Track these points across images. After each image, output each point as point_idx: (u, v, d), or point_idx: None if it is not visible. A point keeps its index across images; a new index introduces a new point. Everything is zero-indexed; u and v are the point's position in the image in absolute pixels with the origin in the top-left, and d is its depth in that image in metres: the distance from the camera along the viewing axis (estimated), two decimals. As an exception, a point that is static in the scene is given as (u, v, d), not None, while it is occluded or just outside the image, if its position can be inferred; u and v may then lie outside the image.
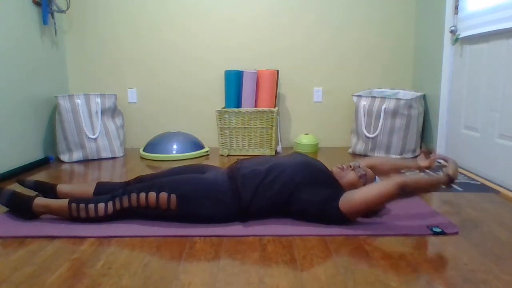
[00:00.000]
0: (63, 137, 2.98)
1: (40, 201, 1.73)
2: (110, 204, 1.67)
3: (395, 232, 1.60)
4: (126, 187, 1.71)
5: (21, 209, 1.74)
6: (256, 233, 1.60)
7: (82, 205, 1.68)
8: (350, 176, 1.73)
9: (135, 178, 1.90)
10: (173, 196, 1.64)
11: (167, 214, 1.67)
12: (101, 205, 1.68)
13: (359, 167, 1.75)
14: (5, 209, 1.93)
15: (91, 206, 1.67)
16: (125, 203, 1.67)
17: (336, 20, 3.36)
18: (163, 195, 1.64)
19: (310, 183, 1.65)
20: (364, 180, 1.72)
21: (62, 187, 1.91)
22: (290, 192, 1.65)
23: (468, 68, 2.58)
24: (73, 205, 1.68)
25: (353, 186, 1.71)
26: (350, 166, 1.76)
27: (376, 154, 3.05)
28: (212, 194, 1.66)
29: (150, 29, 3.37)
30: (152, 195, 1.65)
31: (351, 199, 1.59)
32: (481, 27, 2.39)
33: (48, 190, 1.92)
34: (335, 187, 1.68)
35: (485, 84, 2.39)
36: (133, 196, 1.66)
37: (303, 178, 1.66)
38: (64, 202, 1.70)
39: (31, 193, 1.90)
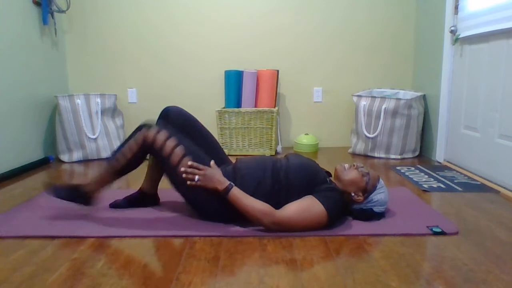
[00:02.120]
0: (63, 137, 2.98)
1: (90, 180, 1.77)
2: (138, 136, 1.68)
3: (395, 232, 1.60)
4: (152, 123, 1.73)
5: (79, 195, 1.76)
6: (256, 233, 1.60)
7: (118, 154, 1.71)
8: (353, 174, 1.71)
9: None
10: (186, 159, 1.65)
11: (172, 172, 1.67)
12: (131, 142, 1.69)
13: (362, 167, 1.74)
14: (5, 209, 1.94)
15: (125, 148, 1.70)
16: (144, 134, 1.66)
17: (336, 20, 3.36)
18: (180, 149, 1.64)
19: (306, 187, 1.65)
20: (367, 178, 1.70)
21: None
22: (284, 196, 1.65)
23: (468, 68, 2.58)
24: (111, 160, 1.72)
25: (355, 184, 1.69)
26: (354, 165, 1.76)
27: (376, 154, 3.05)
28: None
29: (150, 29, 3.37)
30: (171, 141, 1.65)
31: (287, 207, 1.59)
32: (481, 27, 2.39)
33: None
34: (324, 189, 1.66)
35: (485, 84, 2.39)
36: (152, 131, 1.66)
37: (300, 182, 1.65)
38: (104, 165, 1.75)
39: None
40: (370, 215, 1.71)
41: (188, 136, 1.79)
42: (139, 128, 1.71)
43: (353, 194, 1.69)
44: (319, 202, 1.58)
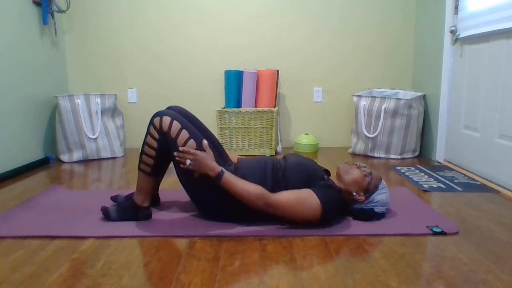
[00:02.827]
0: (63, 137, 2.98)
1: (136, 192, 1.76)
2: (151, 130, 1.67)
3: (395, 232, 1.60)
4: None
5: (134, 214, 1.74)
6: (256, 233, 1.60)
7: (143, 156, 1.70)
8: (355, 173, 1.70)
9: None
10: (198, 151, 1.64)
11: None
12: (148, 138, 1.69)
13: (365, 167, 1.74)
14: (5, 209, 1.94)
15: (146, 147, 1.69)
16: (157, 123, 1.65)
17: (336, 20, 3.36)
18: (192, 142, 1.64)
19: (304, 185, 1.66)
20: (370, 178, 1.69)
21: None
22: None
23: (468, 68, 2.58)
24: (141, 165, 1.72)
25: (357, 184, 1.69)
26: (356, 165, 1.75)
27: (376, 154, 3.05)
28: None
29: (150, 29, 3.37)
30: (185, 132, 1.64)
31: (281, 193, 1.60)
32: (481, 27, 2.39)
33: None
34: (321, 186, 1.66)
35: (485, 84, 2.39)
36: (166, 119, 1.65)
37: (296, 179, 1.66)
38: (138, 173, 1.74)
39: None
40: (371, 215, 1.71)
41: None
42: (152, 120, 1.69)
43: (354, 194, 1.69)
44: (316, 195, 1.59)
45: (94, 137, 3.02)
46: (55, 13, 3.14)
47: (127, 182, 2.40)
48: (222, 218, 1.71)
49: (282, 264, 1.36)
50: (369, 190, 1.70)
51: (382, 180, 1.75)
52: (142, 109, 3.48)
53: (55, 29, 3.18)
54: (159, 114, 1.68)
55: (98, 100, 3.06)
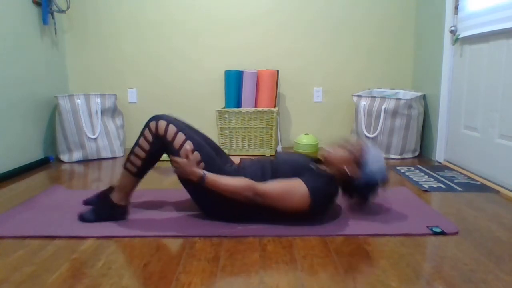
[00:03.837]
0: (63, 137, 2.98)
1: (114, 190, 1.76)
2: (146, 132, 1.68)
3: (395, 232, 1.60)
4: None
5: (109, 211, 1.74)
6: (256, 233, 1.60)
7: (132, 156, 1.70)
8: (339, 152, 1.71)
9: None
10: (196, 154, 1.65)
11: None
12: (141, 140, 1.69)
13: (345, 143, 1.73)
14: (5, 208, 1.94)
15: (137, 149, 1.69)
16: (153, 127, 1.66)
17: (336, 20, 3.36)
18: (190, 143, 1.64)
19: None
20: (353, 149, 1.69)
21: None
22: None
23: (468, 68, 2.58)
24: (127, 164, 1.71)
25: (344, 160, 1.68)
26: (336, 145, 1.75)
27: (376, 154, 3.05)
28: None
29: (150, 29, 3.37)
30: (181, 135, 1.65)
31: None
32: (481, 27, 2.39)
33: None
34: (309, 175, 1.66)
35: (485, 84, 2.39)
36: (162, 123, 1.66)
37: (285, 173, 1.67)
38: (122, 171, 1.74)
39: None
40: (375, 184, 1.70)
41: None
42: (147, 123, 1.70)
43: (348, 171, 1.68)
44: (304, 183, 1.59)
45: (94, 137, 3.02)
46: (55, 13, 3.14)
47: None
48: (224, 218, 1.71)
49: (282, 264, 1.36)
50: (357, 160, 1.68)
51: (367, 145, 1.73)
52: (142, 109, 3.48)
53: (55, 29, 3.18)
54: (155, 118, 1.69)
55: (98, 100, 3.06)
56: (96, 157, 3.06)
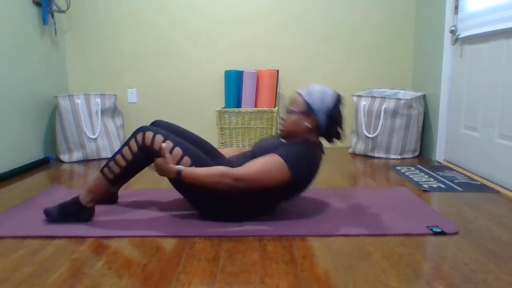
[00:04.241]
0: (63, 137, 2.98)
1: (83, 192, 1.73)
2: (132, 142, 1.67)
3: (395, 232, 1.60)
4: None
5: (75, 211, 1.72)
6: (256, 233, 1.60)
7: (111, 163, 1.69)
8: (288, 119, 1.72)
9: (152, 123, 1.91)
10: (187, 158, 1.64)
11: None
12: (125, 149, 1.68)
13: (288, 111, 1.74)
14: (5, 208, 1.94)
15: (118, 156, 1.68)
16: (140, 138, 1.65)
17: (336, 20, 3.36)
18: (178, 150, 1.64)
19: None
20: (296, 109, 1.70)
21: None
22: None
23: (468, 68, 2.58)
24: (105, 169, 1.70)
25: (297, 121, 1.69)
26: (283, 118, 1.75)
27: (376, 154, 3.05)
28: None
29: (150, 29, 3.37)
30: (168, 143, 1.64)
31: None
32: (481, 27, 2.39)
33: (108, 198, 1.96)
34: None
35: (485, 84, 2.39)
36: (149, 134, 1.65)
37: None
38: (97, 175, 1.72)
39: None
40: (333, 111, 1.69)
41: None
42: (134, 134, 1.69)
43: (308, 124, 1.68)
44: (278, 156, 1.59)
45: (94, 137, 3.02)
46: (55, 13, 3.14)
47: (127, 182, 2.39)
48: (220, 217, 1.71)
49: (282, 264, 1.36)
50: (307, 110, 1.68)
51: (304, 91, 1.72)
52: (142, 109, 3.48)
53: (55, 29, 3.18)
54: (142, 129, 1.68)
55: (98, 100, 3.06)
56: (96, 157, 3.06)
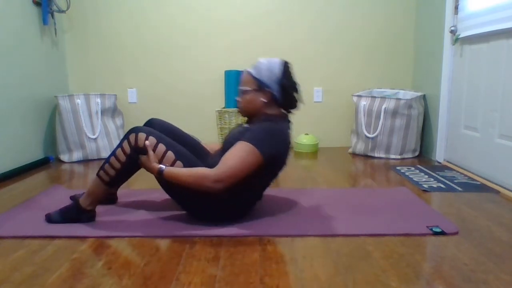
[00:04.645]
0: (63, 137, 2.98)
1: (84, 195, 1.74)
2: (124, 144, 1.66)
3: (395, 232, 1.60)
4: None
5: (76, 215, 1.72)
6: (256, 233, 1.60)
7: (106, 165, 1.69)
8: (244, 100, 1.73)
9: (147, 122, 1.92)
10: (179, 163, 1.64)
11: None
12: (118, 151, 1.67)
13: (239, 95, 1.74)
14: (5, 209, 1.94)
15: (112, 158, 1.68)
16: (132, 139, 1.64)
17: (336, 20, 3.36)
18: (171, 154, 1.63)
19: None
20: (247, 88, 1.70)
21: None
22: None
23: (468, 68, 2.58)
24: (101, 172, 1.70)
25: (252, 99, 1.70)
26: (238, 100, 1.75)
27: (376, 154, 3.05)
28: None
29: (150, 29, 3.37)
30: (162, 146, 1.63)
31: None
32: (481, 27, 2.39)
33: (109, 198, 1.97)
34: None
35: (485, 84, 2.39)
36: (142, 135, 1.64)
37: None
38: (94, 178, 1.72)
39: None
40: (284, 79, 1.69)
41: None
42: (127, 135, 1.68)
43: (264, 99, 1.69)
44: (245, 142, 1.58)
45: (94, 137, 3.02)
46: (55, 13, 3.14)
47: (127, 182, 2.39)
48: (211, 217, 1.71)
49: (282, 264, 1.36)
50: (259, 85, 1.68)
51: (252, 67, 1.72)
52: (142, 109, 3.48)
53: (55, 29, 3.18)
54: (135, 130, 1.66)
55: (98, 100, 3.06)
56: (96, 157, 3.06)
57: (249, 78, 1.71)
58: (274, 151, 1.62)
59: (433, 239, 1.54)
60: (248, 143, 1.57)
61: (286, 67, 1.72)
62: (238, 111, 1.79)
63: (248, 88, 1.71)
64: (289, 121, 1.77)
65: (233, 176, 1.55)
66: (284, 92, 1.71)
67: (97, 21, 3.36)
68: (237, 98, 1.77)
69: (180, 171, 1.58)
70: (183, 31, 3.38)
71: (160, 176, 1.60)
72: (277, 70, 1.69)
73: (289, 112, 1.79)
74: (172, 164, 1.63)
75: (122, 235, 1.59)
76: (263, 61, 1.71)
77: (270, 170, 1.67)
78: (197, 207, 1.70)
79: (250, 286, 1.22)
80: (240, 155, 1.55)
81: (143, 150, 1.64)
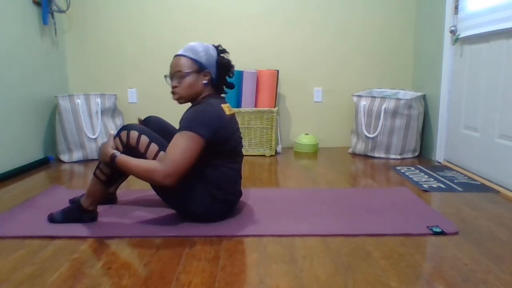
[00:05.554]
0: (63, 137, 2.98)
1: (84, 195, 1.74)
2: (116, 141, 1.66)
3: (395, 232, 1.60)
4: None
5: (78, 216, 1.73)
6: (256, 233, 1.60)
7: (101, 164, 1.69)
8: (183, 83, 1.69)
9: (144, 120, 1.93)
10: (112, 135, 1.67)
11: None
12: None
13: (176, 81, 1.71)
14: (5, 209, 1.94)
15: None
16: (124, 137, 1.64)
17: (337, 20, 3.36)
18: (162, 153, 1.62)
19: None
20: (186, 70, 1.68)
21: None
22: None
23: (468, 68, 2.58)
24: (97, 171, 1.70)
25: (191, 83, 1.68)
26: (174, 86, 1.71)
27: (376, 154, 3.05)
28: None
29: (150, 29, 3.37)
30: (154, 146, 1.63)
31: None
32: (481, 27, 2.39)
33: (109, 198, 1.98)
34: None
35: (485, 84, 2.39)
36: (134, 133, 1.64)
37: None
38: (92, 178, 1.73)
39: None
40: (219, 57, 1.73)
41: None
42: (118, 132, 1.68)
43: (205, 82, 1.70)
44: (181, 130, 1.58)
45: (94, 137, 3.02)
46: (55, 13, 3.14)
47: (127, 182, 2.39)
48: (210, 216, 1.70)
49: (282, 264, 1.36)
50: (197, 67, 1.68)
51: (190, 53, 1.70)
52: (142, 109, 3.48)
53: (55, 29, 3.18)
54: (126, 128, 1.66)
55: (98, 100, 3.06)
56: (96, 157, 3.06)
57: (187, 61, 1.68)
58: (211, 127, 1.60)
59: (433, 239, 1.54)
60: (183, 131, 1.57)
61: (219, 48, 1.76)
62: (175, 99, 1.73)
63: (189, 70, 1.67)
64: (220, 97, 1.77)
65: (180, 169, 1.55)
66: (222, 72, 1.74)
67: (97, 21, 3.36)
68: (174, 84, 1.70)
69: (132, 161, 1.57)
70: (183, 31, 3.38)
71: (112, 163, 1.60)
72: (213, 52, 1.72)
73: (223, 90, 1.80)
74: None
75: (122, 235, 1.59)
76: (195, 44, 1.71)
77: (222, 145, 1.64)
78: (184, 206, 1.68)
79: (250, 286, 1.22)
80: (180, 146, 1.55)
81: (135, 148, 1.63)
